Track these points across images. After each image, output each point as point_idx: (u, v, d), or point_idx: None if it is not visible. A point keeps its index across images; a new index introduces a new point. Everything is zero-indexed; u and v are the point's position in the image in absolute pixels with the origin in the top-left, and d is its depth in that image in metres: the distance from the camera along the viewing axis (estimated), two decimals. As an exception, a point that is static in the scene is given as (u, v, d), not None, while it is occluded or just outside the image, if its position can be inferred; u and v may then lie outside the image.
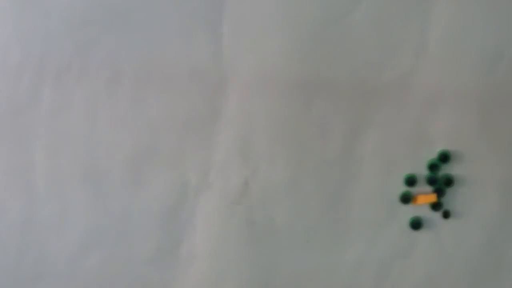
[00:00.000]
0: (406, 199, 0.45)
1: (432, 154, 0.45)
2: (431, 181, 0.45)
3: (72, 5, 0.46)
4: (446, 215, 0.45)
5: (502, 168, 0.44)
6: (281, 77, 0.45)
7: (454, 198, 0.45)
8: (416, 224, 0.45)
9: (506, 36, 0.43)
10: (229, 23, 0.45)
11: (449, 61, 0.43)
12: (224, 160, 0.46)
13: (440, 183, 0.45)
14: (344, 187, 0.45)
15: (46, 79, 0.47)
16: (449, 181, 0.44)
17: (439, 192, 0.45)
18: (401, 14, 0.43)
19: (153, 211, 0.47)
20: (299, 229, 0.46)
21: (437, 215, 0.45)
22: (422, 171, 0.45)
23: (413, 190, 0.45)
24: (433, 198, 0.45)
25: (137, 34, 0.46)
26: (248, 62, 0.45)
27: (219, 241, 0.47)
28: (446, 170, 0.45)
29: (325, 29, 0.44)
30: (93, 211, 0.49)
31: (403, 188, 0.45)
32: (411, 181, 0.45)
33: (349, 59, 0.44)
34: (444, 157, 0.44)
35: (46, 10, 0.47)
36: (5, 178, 0.49)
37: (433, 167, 0.44)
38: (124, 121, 0.47)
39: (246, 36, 0.45)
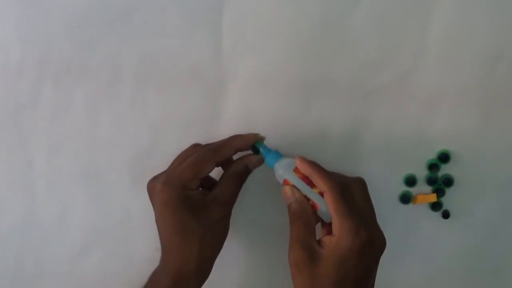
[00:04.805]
0: (406, 199, 0.45)
1: (432, 154, 0.45)
2: (431, 181, 0.45)
3: (72, 5, 0.46)
4: (445, 215, 0.45)
5: (502, 168, 0.44)
6: (281, 77, 0.45)
7: (454, 198, 0.45)
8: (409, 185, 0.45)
9: (506, 36, 0.43)
10: (229, 23, 0.45)
11: (449, 61, 0.43)
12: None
13: (440, 183, 0.45)
14: (344, 187, 0.45)
15: (46, 79, 0.47)
16: (449, 181, 0.44)
17: (439, 192, 0.45)
18: (401, 14, 0.43)
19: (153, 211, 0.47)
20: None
21: (437, 215, 0.45)
22: (422, 171, 0.45)
23: (413, 190, 0.45)
24: (433, 198, 0.45)
25: (137, 34, 0.46)
26: (248, 62, 0.45)
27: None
28: (446, 170, 0.45)
29: (325, 30, 0.44)
30: (93, 211, 0.49)
31: (403, 188, 0.45)
32: (411, 181, 0.45)
33: (349, 59, 0.44)
34: (444, 157, 0.44)
35: (46, 10, 0.47)
36: (5, 178, 0.49)
37: (432, 167, 0.44)
38: (124, 121, 0.47)
39: (246, 36, 0.45)
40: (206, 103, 0.46)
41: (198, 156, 0.40)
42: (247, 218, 0.47)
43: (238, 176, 0.42)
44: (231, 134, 0.43)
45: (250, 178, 0.43)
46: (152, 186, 0.40)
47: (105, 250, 0.49)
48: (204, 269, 0.40)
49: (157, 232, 0.40)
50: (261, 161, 0.42)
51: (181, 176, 0.39)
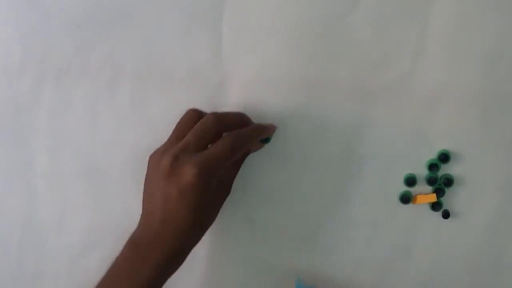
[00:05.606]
0: (406, 199, 0.45)
1: (432, 154, 0.45)
2: (431, 181, 0.45)
3: (72, 5, 0.46)
4: (445, 215, 0.45)
5: (502, 168, 0.44)
6: (281, 77, 0.45)
7: (454, 198, 0.45)
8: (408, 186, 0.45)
9: (506, 36, 0.43)
10: (229, 23, 0.45)
11: (449, 61, 0.43)
12: (224, 160, 0.46)
13: (440, 183, 0.45)
14: (344, 187, 0.45)
15: (46, 79, 0.47)
16: (448, 181, 0.44)
17: (439, 192, 0.45)
18: (401, 14, 0.43)
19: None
20: (299, 229, 0.46)
21: (437, 215, 0.45)
22: (422, 171, 0.45)
23: (413, 190, 0.45)
24: (433, 198, 0.45)
25: (137, 34, 0.46)
26: (248, 62, 0.45)
27: (219, 241, 0.47)
28: (445, 170, 0.45)
29: (325, 29, 0.44)
30: (93, 211, 0.49)
31: (403, 188, 0.45)
32: (411, 181, 0.45)
33: (349, 59, 0.44)
34: (444, 157, 0.44)
35: (46, 10, 0.47)
36: (5, 178, 0.49)
37: (432, 167, 0.44)
38: (124, 120, 0.47)
39: (246, 36, 0.45)
40: (206, 103, 0.46)
41: (233, 143, 0.39)
42: (247, 218, 0.47)
43: (240, 161, 0.44)
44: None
45: (251, 177, 0.43)
46: (177, 165, 0.38)
47: (105, 250, 0.49)
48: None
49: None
50: (261, 146, 0.44)
51: (217, 164, 0.38)
